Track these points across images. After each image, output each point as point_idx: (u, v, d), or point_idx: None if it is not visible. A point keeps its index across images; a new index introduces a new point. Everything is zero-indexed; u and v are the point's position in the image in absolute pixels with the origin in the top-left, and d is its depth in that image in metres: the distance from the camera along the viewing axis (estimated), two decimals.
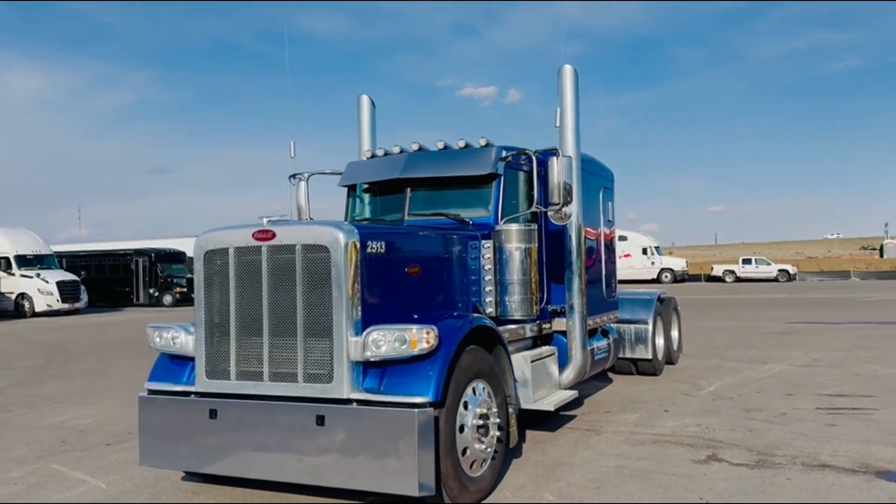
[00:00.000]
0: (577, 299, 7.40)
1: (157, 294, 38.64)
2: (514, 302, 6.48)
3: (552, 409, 6.71)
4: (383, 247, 5.37)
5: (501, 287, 6.50)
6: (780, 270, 50.63)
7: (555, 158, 6.53)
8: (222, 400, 5.30)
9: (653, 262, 49.95)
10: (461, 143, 7.13)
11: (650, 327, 10.44)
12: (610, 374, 10.78)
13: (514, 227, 6.55)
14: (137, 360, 14.75)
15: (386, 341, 4.88)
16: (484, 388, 5.45)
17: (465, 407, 5.18)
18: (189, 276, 40.08)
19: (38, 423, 8.72)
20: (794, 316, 21.85)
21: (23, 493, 6.02)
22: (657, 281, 48.28)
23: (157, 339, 5.75)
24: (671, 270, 50.24)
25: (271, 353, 5.16)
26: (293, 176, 7.74)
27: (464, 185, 7.00)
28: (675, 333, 11.92)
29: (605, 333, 8.98)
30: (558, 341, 7.59)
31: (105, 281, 38.71)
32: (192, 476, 6.09)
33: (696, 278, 55.21)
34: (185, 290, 38.17)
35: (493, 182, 6.91)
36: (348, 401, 4.92)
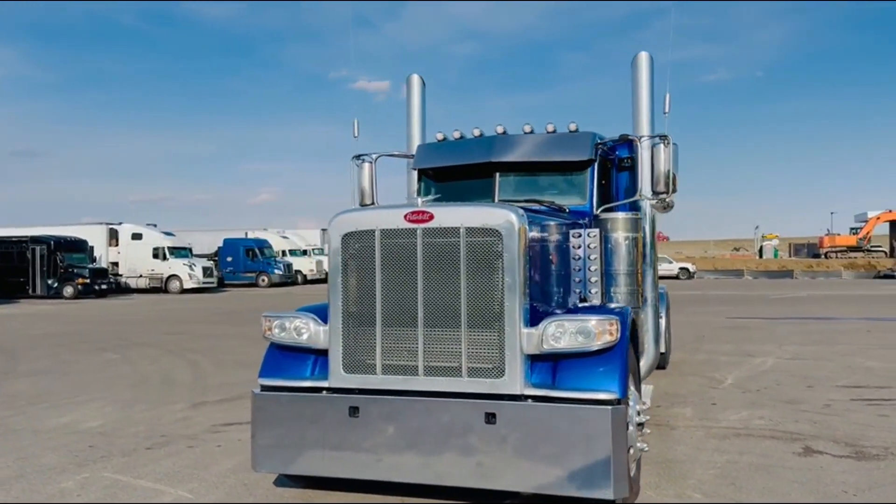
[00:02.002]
0: (650, 292, 7.26)
1: (56, 285, 35.93)
2: (622, 293, 6.27)
3: (649, 403, 6.53)
4: (535, 233, 5.02)
5: (608, 278, 6.26)
6: (681, 268, 52.88)
7: (662, 145, 6.34)
8: (365, 396, 4.78)
9: (670, 262, 52.00)
10: (550, 128, 6.84)
11: (664, 320, 10.46)
12: None
13: (620, 215, 6.34)
14: (94, 355, 13.61)
15: (566, 334, 4.52)
16: (632, 383, 5.19)
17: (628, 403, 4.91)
18: (92, 265, 37.68)
19: (40, 427, 7.75)
20: (727, 312, 22.73)
21: None
22: (676, 278, 49.78)
23: (277, 331, 5.14)
24: (687, 269, 52.71)
25: (427, 346, 4.69)
26: (358, 157, 7.20)
27: (557, 171, 6.72)
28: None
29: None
30: None
31: None
32: (290, 480, 5.53)
33: None
34: (87, 280, 35.85)
35: (588, 169, 6.66)
36: (521, 397, 4.54)
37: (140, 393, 9.62)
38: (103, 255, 40.82)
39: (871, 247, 72.33)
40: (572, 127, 6.78)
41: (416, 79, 8.17)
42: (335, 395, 4.86)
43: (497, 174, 6.74)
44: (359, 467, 4.76)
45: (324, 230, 58.41)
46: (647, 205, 7.05)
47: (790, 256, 79.58)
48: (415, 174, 7.77)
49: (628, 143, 7.11)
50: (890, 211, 72.32)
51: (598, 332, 4.51)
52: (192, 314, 24.39)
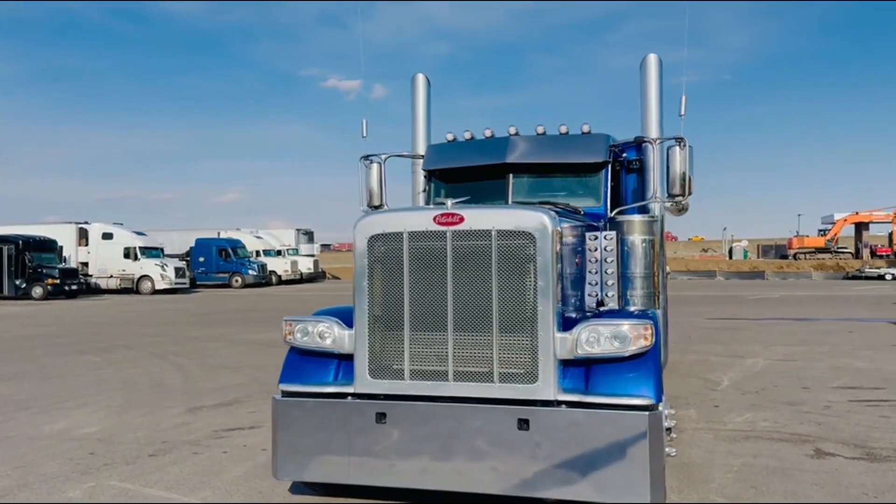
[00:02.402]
0: (662, 293, 7.23)
1: (24, 286, 35.08)
2: (638, 296, 6.23)
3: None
4: (564, 235, 4.95)
5: (624, 280, 6.20)
6: None
7: (678, 147, 6.31)
8: (392, 402, 4.67)
9: None
10: (563, 129, 6.78)
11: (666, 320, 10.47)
12: None
13: (637, 218, 6.30)
14: (73, 358, 13.28)
15: (601, 339, 4.46)
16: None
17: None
18: (61, 265, 36.92)
19: (35, 433, 7.50)
20: (707, 312, 22.92)
21: None
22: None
23: (299, 335, 4.99)
24: None
25: (457, 350, 4.60)
26: (366, 157, 7.07)
27: (570, 173, 6.67)
28: None
29: None
30: None
31: None
32: (308, 487, 5.39)
33: None
34: (57, 281, 35.09)
35: (602, 171, 6.62)
36: (555, 402, 4.47)
37: (132, 397, 9.38)
38: (73, 254, 39.97)
39: (838, 248, 73.71)
40: (585, 128, 6.73)
41: (420, 78, 8.05)
42: (361, 400, 4.75)
43: (510, 175, 6.66)
44: (386, 475, 4.65)
45: (298, 230, 58.13)
46: (657, 207, 7.03)
47: (758, 258, 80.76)
48: (419, 175, 7.68)
49: (636, 145, 7.08)
50: (856, 213, 73.75)
51: (634, 336, 4.46)
52: (169, 316, 23.97)
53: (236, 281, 45.44)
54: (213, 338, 16.64)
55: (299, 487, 5.48)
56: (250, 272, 45.90)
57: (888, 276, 47.65)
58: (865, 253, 70.54)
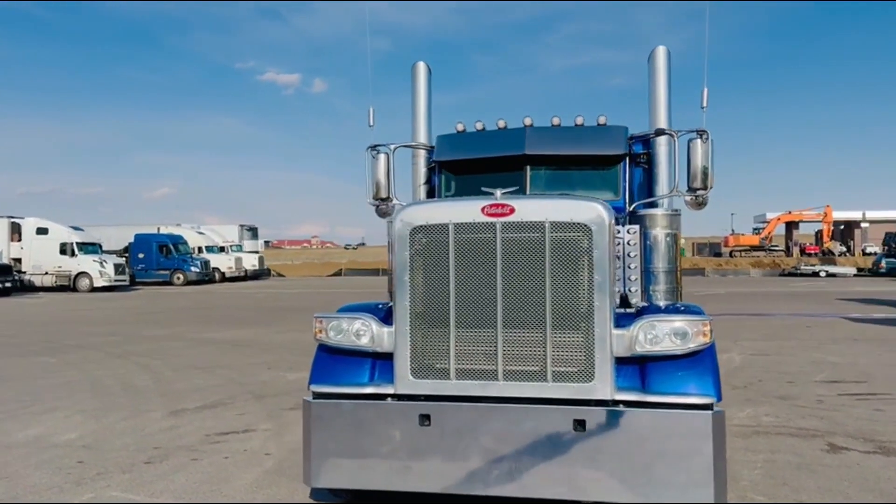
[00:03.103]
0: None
1: None
2: (661, 291, 6.08)
3: None
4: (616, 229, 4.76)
5: (647, 275, 6.07)
6: None
7: (699, 140, 6.20)
8: (437, 403, 4.41)
9: None
10: (579, 121, 6.61)
11: None
12: None
13: (659, 212, 6.16)
14: (26, 359, 12.55)
15: (662, 336, 4.30)
16: None
17: None
18: None
19: (8, 441, 6.98)
20: None
21: None
22: None
23: (333, 334, 4.68)
24: None
25: (507, 348, 4.37)
26: (373, 147, 6.74)
27: (589, 166, 6.50)
28: None
29: None
30: None
31: None
32: (332, 494, 5.08)
33: None
34: None
35: (620, 163, 6.48)
36: (612, 402, 4.28)
37: (105, 401, 8.84)
38: (4, 250, 38.09)
39: (772, 246, 76.15)
40: (601, 120, 6.58)
41: (421, 66, 7.74)
42: (403, 402, 4.47)
43: (528, 167, 6.46)
44: (431, 480, 4.39)
45: (241, 225, 56.81)
46: (665, 202, 6.93)
47: (693, 255, 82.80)
48: (421, 167, 7.41)
49: (643, 139, 6.96)
50: (789, 213, 76.29)
51: (693, 333, 4.31)
52: (114, 314, 23.00)
53: (178, 278, 44.13)
54: (170, 337, 15.98)
55: (321, 494, 5.18)
56: (193, 269, 44.62)
57: (822, 273, 49.39)
58: (796, 251, 73.04)
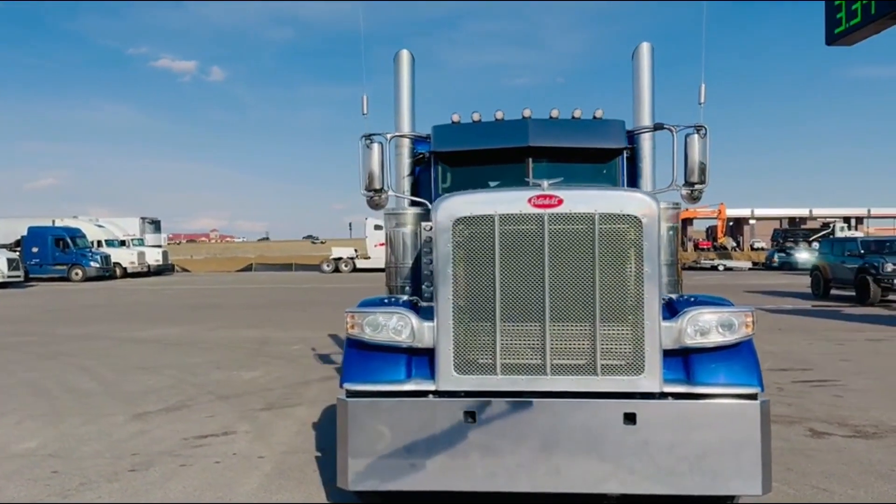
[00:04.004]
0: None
1: None
2: (664, 283, 6.15)
3: None
4: None
5: None
6: None
7: (696, 135, 6.31)
8: (481, 400, 4.28)
9: None
10: (577, 113, 6.60)
11: None
12: None
13: (662, 205, 6.21)
14: None
15: (710, 327, 4.33)
16: None
17: None
18: None
19: None
20: None
21: None
22: None
23: (369, 329, 4.45)
24: None
25: (554, 342, 4.28)
26: (367, 136, 6.49)
27: (590, 159, 6.50)
28: None
29: None
30: None
31: None
32: (357, 496, 4.83)
33: None
34: None
35: (619, 157, 6.51)
36: (659, 394, 4.28)
37: (54, 405, 8.20)
38: None
39: None
40: (598, 114, 6.60)
41: (405, 54, 7.53)
42: (446, 398, 4.32)
43: (530, 159, 6.39)
44: (479, 479, 4.26)
45: (143, 218, 54.39)
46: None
47: None
48: (405, 158, 7.23)
49: (638, 133, 7.01)
50: (686, 210, 79.67)
51: (739, 324, 4.37)
52: (18, 312, 21.51)
53: (76, 274, 41.75)
54: (93, 336, 15.06)
55: (342, 496, 4.93)
56: (92, 264, 42.30)
57: (720, 268, 51.87)
58: (690, 246, 76.43)
